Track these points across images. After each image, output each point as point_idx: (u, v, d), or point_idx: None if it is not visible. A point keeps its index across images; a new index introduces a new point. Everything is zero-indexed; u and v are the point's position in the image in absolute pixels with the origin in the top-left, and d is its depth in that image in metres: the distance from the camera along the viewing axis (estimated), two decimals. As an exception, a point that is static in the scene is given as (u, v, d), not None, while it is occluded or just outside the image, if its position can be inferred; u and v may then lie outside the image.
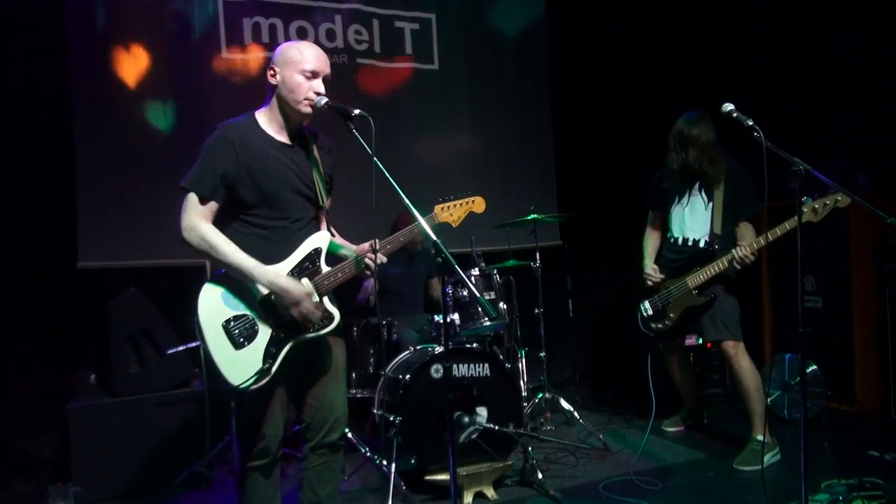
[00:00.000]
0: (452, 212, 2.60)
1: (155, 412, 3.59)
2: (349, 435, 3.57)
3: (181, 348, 3.63)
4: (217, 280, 2.29)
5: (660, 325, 3.79)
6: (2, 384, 3.95)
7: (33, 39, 4.15)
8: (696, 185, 3.76)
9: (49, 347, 4.05)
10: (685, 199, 3.81)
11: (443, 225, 2.59)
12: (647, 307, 3.82)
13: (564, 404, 4.31)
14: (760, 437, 3.47)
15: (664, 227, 3.94)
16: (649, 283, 3.82)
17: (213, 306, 2.25)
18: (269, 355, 2.26)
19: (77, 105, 4.23)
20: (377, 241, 2.38)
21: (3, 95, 4.07)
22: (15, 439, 3.96)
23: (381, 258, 2.38)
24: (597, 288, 5.52)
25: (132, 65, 4.39)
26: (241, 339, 2.24)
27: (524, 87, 5.55)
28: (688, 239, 3.77)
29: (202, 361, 2.24)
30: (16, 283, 4.05)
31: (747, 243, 3.45)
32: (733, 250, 3.47)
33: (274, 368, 2.25)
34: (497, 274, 3.94)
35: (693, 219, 3.77)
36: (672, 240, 3.85)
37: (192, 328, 2.24)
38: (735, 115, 2.95)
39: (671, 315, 3.73)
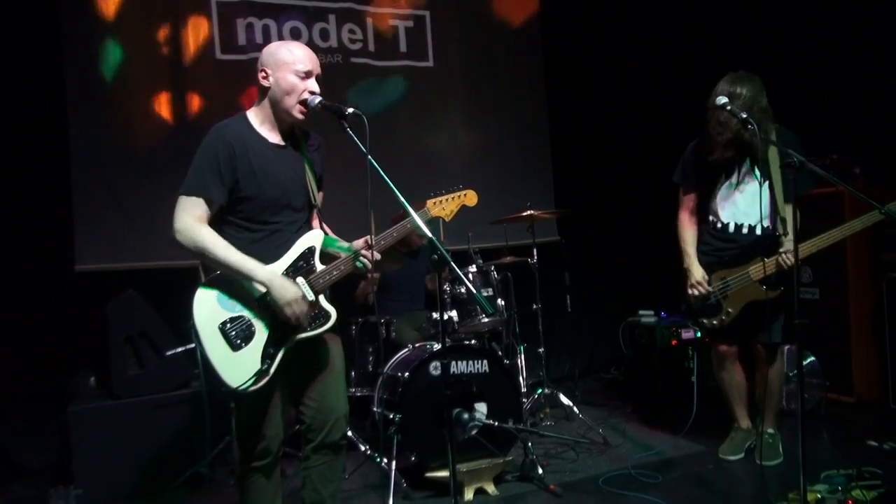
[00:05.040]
0: (445, 206, 2.60)
1: (155, 414, 3.59)
2: (349, 433, 3.57)
3: (180, 350, 3.63)
4: (211, 282, 2.28)
5: (714, 322, 3.36)
6: (2, 388, 3.95)
7: (27, 44, 4.15)
8: (748, 161, 3.30)
9: (48, 351, 4.06)
10: (734, 179, 3.32)
11: (435, 219, 2.60)
12: (696, 301, 3.41)
13: (564, 399, 4.31)
14: (772, 430, 3.49)
15: (704, 210, 3.45)
16: (695, 293, 3.38)
17: (209, 309, 2.24)
18: (267, 356, 2.25)
19: (71, 108, 4.23)
20: (372, 237, 2.38)
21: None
22: (15, 443, 3.96)
23: (376, 255, 2.38)
24: (595, 283, 5.53)
25: (127, 67, 4.39)
26: (238, 341, 2.23)
27: (520, 82, 5.56)
28: (741, 225, 3.33)
29: (200, 364, 2.24)
30: (14, 288, 4.06)
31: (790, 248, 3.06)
32: (782, 258, 3.15)
33: (272, 369, 2.25)
34: (494, 270, 3.95)
35: (747, 201, 3.30)
36: (719, 226, 3.38)
37: (188, 332, 2.23)
38: (729, 108, 2.96)
39: (729, 310, 3.31)
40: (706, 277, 3.37)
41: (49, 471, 3.84)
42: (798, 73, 4.86)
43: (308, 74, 2.33)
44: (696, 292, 3.38)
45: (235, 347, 2.23)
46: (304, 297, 2.29)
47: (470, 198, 2.65)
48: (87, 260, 4.22)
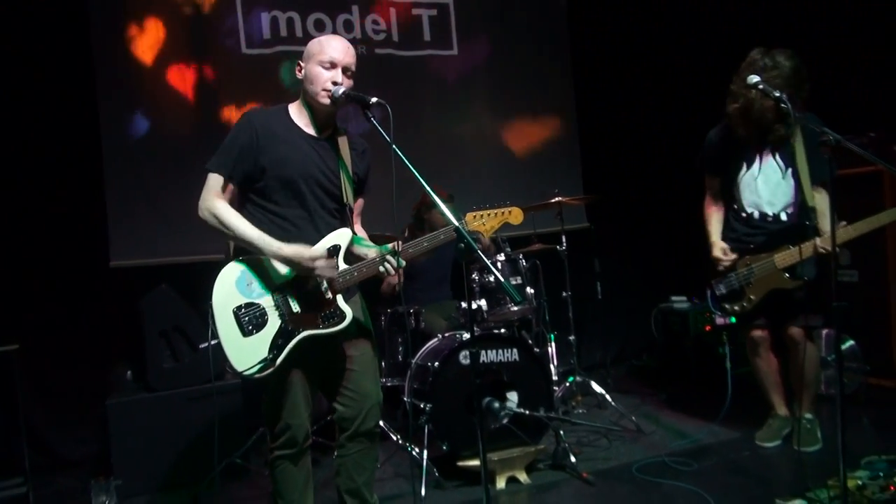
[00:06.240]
0: (485, 221, 2.50)
1: (190, 406, 3.64)
2: (381, 423, 3.59)
3: (213, 343, 3.67)
4: (233, 266, 2.33)
5: (736, 308, 3.38)
6: (42, 383, 4.05)
7: (58, 43, 4.21)
8: (768, 149, 3.29)
9: (86, 345, 4.15)
10: (756, 166, 3.30)
11: (472, 234, 2.47)
12: (720, 286, 3.42)
13: (596, 387, 4.28)
14: (810, 416, 3.41)
15: (729, 195, 3.44)
16: (721, 267, 3.38)
17: (227, 292, 2.30)
18: (276, 346, 2.28)
19: (103, 107, 4.30)
20: (400, 243, 2.38)
21: (32, 99, 4.15)
22: (58, 436, 4.07)
23: (401, 261, 2.36)
24: (625, 269, 5.46)
25: (156, 64, 4.44)
26: (250, 328, 2.28)
27: (546, 67, 5.50)
28: (766, 214, 3.32)
29: (209, 339, 2.29)
30: (52, 285, 4.15)
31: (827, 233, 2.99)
32: (818, 242, 3.10)
33: (279, 360, 2.27)
34: (523, 258, 3.92)
35: (769, 190, 3.30)
36: (744, 214, 3.38)
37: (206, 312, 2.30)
38: (761, 86, 2.89)
39: (751, 297, 3.31)
40: (726, 248, 3.37)
41: (90, 462, 3.93)
42: (830, 47, 4.71)
43: (333, 65, 2.35)
44: (720, 266, 3.38)
45: (246, 333, 2.28)
46: (318, 256, 2.32)
47: (515, 215, 2.52)
48: (120, 256, 4.30)
